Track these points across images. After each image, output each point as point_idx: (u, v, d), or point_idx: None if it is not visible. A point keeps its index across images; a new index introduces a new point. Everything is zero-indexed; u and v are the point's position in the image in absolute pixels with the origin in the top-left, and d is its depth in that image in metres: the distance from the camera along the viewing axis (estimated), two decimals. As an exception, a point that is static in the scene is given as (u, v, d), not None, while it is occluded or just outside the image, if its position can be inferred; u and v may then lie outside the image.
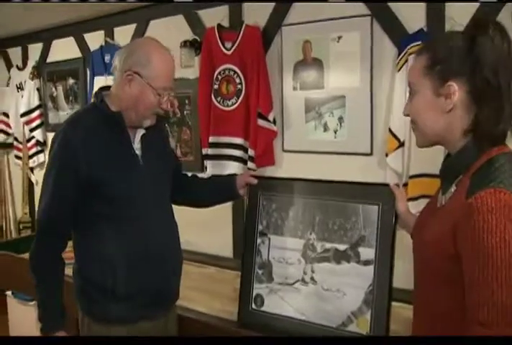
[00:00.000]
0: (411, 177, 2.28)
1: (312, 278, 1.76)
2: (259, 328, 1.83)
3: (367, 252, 1.67)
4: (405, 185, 2.29)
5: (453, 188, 1.20)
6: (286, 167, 2.69)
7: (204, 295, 2.26)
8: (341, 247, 1.72)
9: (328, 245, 1.74)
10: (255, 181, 1.85)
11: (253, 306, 1.87)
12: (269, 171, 2.69)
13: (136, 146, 1.65)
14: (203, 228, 2.91)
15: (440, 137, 1.21)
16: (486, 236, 1.03)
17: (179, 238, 1.77)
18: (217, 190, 1.88)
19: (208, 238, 2.95)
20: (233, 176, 1.92)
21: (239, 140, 2.69)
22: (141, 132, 1.66)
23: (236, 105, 2.68)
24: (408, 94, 1.31)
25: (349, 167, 2.48)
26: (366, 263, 1.67)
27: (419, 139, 1.27)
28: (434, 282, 1.21)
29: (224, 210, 2.75)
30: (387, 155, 2.34)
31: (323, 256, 1.75)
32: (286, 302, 1.80)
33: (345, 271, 1.71)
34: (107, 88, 1.69)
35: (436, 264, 1.19)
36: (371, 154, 2.44)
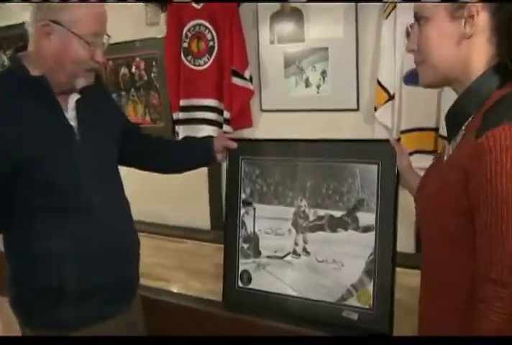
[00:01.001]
0: (403, 132, 2.09)
1: (305, 249, 1.57)
2: (247, 309, 1.64)
3: (367, 217, 1.47)
4: (397, 140, 2.09)
5: (461, 133, 1.04)
6: (265, 128, 2.46)
7: (182, 274, 2.03)
8: (337, 213, 1.52)
9: (321, 212, 1.54)
10: (235, 145, 1.62)
11: (239, 284, 1.67)
12: (246, 133, 2.47)
13: (70, 115, 1.34)
14: (176, 199, 2.68)
15: (452, 72, 1.05)
16: (500, 180, 0.90)
17: (132, 219, 1.50)
18: (192, 154, 1.64)
19: (182, 209, 2.71)
20: (209, 139, 1.69)
21: (212, 102, 2.45)
22: (75, 97, 1.34)
23: (208, 64, 2.43)
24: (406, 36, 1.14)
25: (334, 124, 2.27)
26: (366, 229, 1.48)
27: (427, 75, 1.09)
28: (441, 244, 1.05)
29: (198, 178, 2.52)
30: (375, 109, 2.15)
31: (317, 224, 1.55)
32: (276, 277, 1.61)
33: (342, 239, 1.51)
34: (23, 48, 1.35)
35: (443, 222, 1.03)
36: (357, 109, 2.25)
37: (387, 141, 1.44)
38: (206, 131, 2.47)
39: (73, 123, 1.34)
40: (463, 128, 1.03)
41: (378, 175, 1.45)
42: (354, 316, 1.50)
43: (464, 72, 1.04)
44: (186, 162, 1.66)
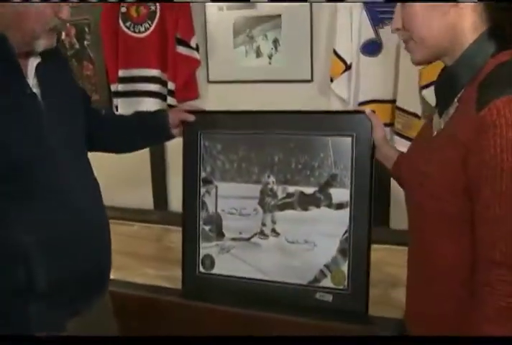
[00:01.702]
0: (361, 103, 2.02)
1: (273, 230, 1.46)
2: (211, 296, 1.51)
3: (341, 193, 1.38)
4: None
5: (454, 106, 0.96)
6: (213, 100, 2.29)
7: (133, 260, 1.86)
8: (308, 190, 1.41)
9: (291, 188, 1.43)
10: (192, 117, 1.47)
11: (201, 269, 1.54)
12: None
13: (32, 82, 1.14)
14: (117, 178, 2.47)
15: (443, 44, 0.98)
16: (506, 156, 0.83)
17: (103, 203, 1.31)
18: (145, 131, 1.46)
19: (123, 189, 2.52)
20: (164, 112, 1.51)
21: (155, 72, 2.25)
22: (35, 61, 1.14)
23: (149, 30, 2.22)
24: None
25: (286, 96, 2.15)
26: (339, 206, 1.39)
27: (417, 52, 1.02)
28: (437, 226, 0.98)
29: (138, 154, 2.31)
30: (331, 80, 2.05)
31: (286, 202, 1.44)
32: (243, 261, 1.49)
33: (314, 218, 1.41)
34: None
35: (440, 202, 0.95)
36: (311, 80, 2.15)
37: (362, 112, 1.34)
38: (148, 104, 2.28)
39: (36, 90, 1.13)
40: (455, 100, 0.96)
41: (352, 147, 1.36)
42: (329, 298, 1.42)
43: (456, 43, 0.96)
44: (139, 140, 1.49)
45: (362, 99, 2.02)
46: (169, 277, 1.67)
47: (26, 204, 1.10)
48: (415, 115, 1.95)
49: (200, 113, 1.49)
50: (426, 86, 1.89)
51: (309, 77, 2.14)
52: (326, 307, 1.41)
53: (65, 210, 1.14)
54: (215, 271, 1.52)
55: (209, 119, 1.50)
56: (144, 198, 2.53)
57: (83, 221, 1.17)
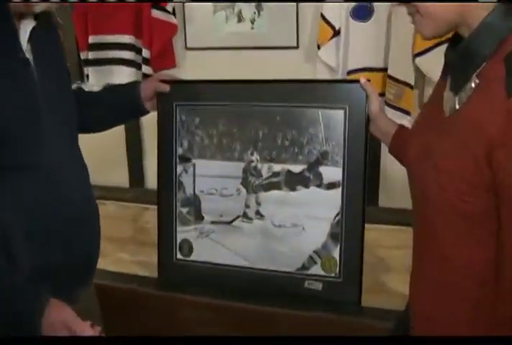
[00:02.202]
0: (350, 72, 1.88)
1: (258, 212, 1.32)
2: (189, 285, 1.38)
3: (332, 172, 1.25)
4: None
5: (473, 83, 0.81)
6: (191, 68, 2.12)
7: (107, 244, 1.68)
8: (296, 168, 1.28)
9: (277, 167, 1.29)
10: (167, 88, 1.31)
11: (178, 256, 1.41)
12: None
13: (25, 46, 0.98)
14: (89, 154, 2.30)
15: (454, 15, 0.83)
16: None
17: (91, 186, 1.17)
18: (116, 108, 1.29)
19: (98, 166, 2.34)
20: (135, 84, 1.34)
21: (128, 38, 2.06)
22: (30, 24, 0.98)
23: (122, -8, 2.04)
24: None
25: (271, 64, 1.99)
26: (331, 186, 1.25)
27: (427, 26, 0.87)
28: (452, 221, 0.84)
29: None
30: (318, 47, 1.91)
31: (272, 181, 1.30)
32: (224, 246, 1.36)
33: (303, 199, 1.28)
34: None
35: (457, 197, 0.81)
36: (297, 47, 2.00)
37: (355, 81, 1.20)
38: (121, 73, 2.10)
39: (29, 56, 0.98)
40: (474, 75, 0.81)
41: (345, 121, 1.22)
42: (318, 286, 1.30)
43: (468, 15, 0.82)
44: (111, 119, 1.31)
45: (351, 67, 1.88)
46: (145, 263, 1.54)
47: (13, 180, 0.96)
48: (407, 84, 1.81)
49: (176, 83, 1.33)
50: (420, 54, 1.75)
51: (295, 44, 1.99)
52: (316, 296, 1.30)
53: (52, 189, 1.00)
54: (193, 257, 1.39)
55: (186, 90, 1.34)
56: (119, 176, 2.37)
57: (72, 204, 1.03)
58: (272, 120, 1.27)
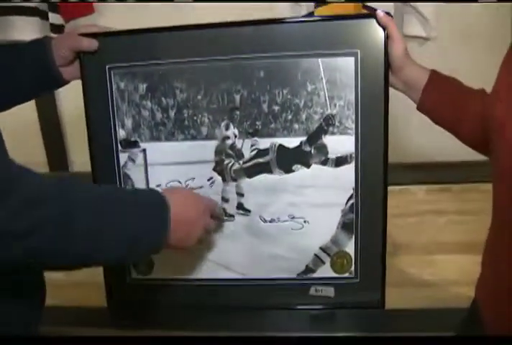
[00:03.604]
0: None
1: (241, 206, 0.97)
2: (151, 316, 1.01)
3: (341, 143, 0.93)
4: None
5: None
6: (115, 16, 1.61)
7: None
8: (291, 142, 0.94)
9: (264, 142, 0.94)
10: (93, 44, 0.90)
11: (133, 275, 1.03)
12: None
13: None
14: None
15: None
16: None
17: None
18: (17, 77, 0.88)
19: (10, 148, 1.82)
20: (43, 42, 0.91)
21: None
22: None
23: None
24: None
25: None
26: (340, 161, 0.94)
27: None
28: None
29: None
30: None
31: (258, 163, 0.95)
32: (196, 255, 1.00)
33: (302, 182, 0.95)
34: None
35: None
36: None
37: (369, 16, 0.88)
38: (24, 25, 1.59)
39: None
40: None
41: (356, 72, 0.89)
42: (330, 292, 1.00)
43: None
44: (10, 94, 0.90)
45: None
46: (88, 283, 1.12)
47: None
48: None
49: (106, 36, 0.92)
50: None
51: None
52: (327, 305, 1.00)
53: None
54: (155, 275, 1.02)
55: (122, 45, 0.93)
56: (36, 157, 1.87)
57: None
58: (253, 77, 0.91)
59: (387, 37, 0.86)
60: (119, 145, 0.96)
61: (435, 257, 1.21)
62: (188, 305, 1.01)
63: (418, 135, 1.66)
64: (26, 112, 1.76)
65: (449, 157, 1.54)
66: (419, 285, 1.12)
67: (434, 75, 0.86)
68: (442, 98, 0.86)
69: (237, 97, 0.92)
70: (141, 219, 0.68)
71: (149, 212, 0.70)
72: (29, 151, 1.83)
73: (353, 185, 0.94)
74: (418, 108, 0.88)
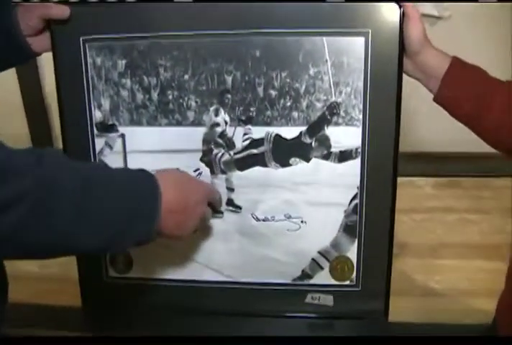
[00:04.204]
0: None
1: (230, 202, 0.87)
2: (129, 319, 0.92)
3: (347, 135, 0.82)
4: None
5: None
6: None
7: None
8: (289, 132, 0.83)
9: (259, 131, 0.83)
10: (65, 11, 0.79)
11: (111, 273, 0.93)
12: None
13: None
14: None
15: None
16: None
17: None
18: None
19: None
20: (8, 9, 0.80)
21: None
22: None
23: None
24: None
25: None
26: (344, 156, 0.83)
27: None
28: None
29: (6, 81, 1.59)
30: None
31: (251, 154, 0.85)
32: (178, 254, 0.90)
33: (301, 178, 0.85)
34: None
35: None
36: None
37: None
38: None
39: None
40: None
41: (366, 56, 0.78)
42: (328, 300, 0.90)
43: None
44: None
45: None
46: (63, 278, 1.03)
47: None
48: None
49: (80, 3, 0.81)
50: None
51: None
52: (325, 315, 0.90)
53: None
54: (134, 273, 0.92)
55: (99, 15, 0.82)
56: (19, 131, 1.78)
57: None
58: (249, 57, 0.80)
59: (403, 15, 0.74)
60: (94, 128, 0.85)
61: (443, 262, 1.11)
62: (169, 308, 0.92)
63: (426, 123, 1.55)
64: (8, 84, 1.66)
65: (459, 148, 1.44)
66: (424, 294, 1.02)
67: (456, 63, 0.74)
68: (464, 90, 0.75)
69: (229, 78, 0.81)
70: (127, 205, 0.58)
71: (137, 199, 0.60)
72: (11, 125, 1.76)
73: (358, 183, 0.83)
74: (436, 100, 0.77)
